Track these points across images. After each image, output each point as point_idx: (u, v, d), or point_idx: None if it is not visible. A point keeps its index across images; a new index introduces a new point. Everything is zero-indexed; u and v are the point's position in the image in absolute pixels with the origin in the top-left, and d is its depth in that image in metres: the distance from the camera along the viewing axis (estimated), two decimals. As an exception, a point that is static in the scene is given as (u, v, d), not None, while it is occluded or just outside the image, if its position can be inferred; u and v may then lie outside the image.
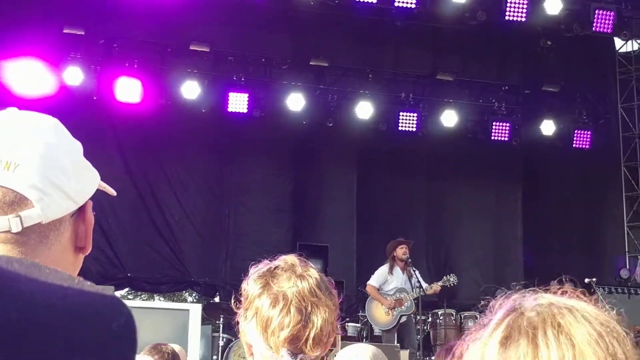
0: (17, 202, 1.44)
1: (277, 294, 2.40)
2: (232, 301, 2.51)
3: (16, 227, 1.44)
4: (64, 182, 1.49)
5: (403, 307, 12.25)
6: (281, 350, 2.38)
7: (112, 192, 1.71)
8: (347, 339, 11.07)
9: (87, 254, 1.60)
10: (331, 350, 4.62)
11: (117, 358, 0.90)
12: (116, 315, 0.87)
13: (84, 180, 1.57)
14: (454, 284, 12.29)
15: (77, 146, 1.59)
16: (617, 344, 1.38)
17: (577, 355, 1.36)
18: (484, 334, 1.46)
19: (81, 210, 1.56)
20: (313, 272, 2.50)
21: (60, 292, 0.92)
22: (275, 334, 2.38)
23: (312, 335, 2.37)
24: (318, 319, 2.39)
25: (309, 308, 2.40)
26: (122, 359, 0.89)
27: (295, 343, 2.38)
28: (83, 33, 13.36)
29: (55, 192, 1.47)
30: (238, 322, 2.49)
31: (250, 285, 2.44)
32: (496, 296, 1.52)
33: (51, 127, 1.55)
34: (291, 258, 2.52)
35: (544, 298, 1.47)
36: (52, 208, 1.47)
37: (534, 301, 1.47)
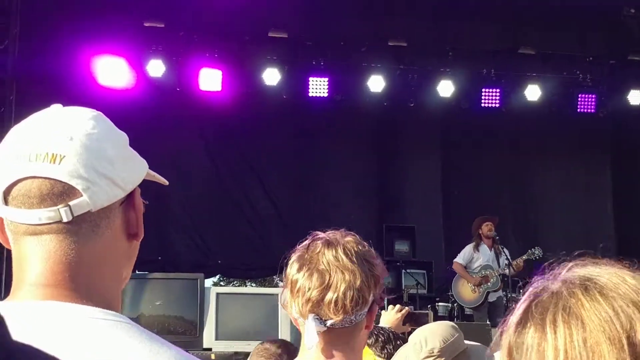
0: (66, 192, 1.49)
1: (305, 260, 2.48)
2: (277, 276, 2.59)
3: (66, 217, 1.48)
4: (110, 170, 1.53)
5: (489, 283, 12.18)
6: (309, 315, 2.41)
7: (163, 181, 1.74)
8: (437, 319, 11.05)
9: (140, 239, 1.64)
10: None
11: None
12: None
13: (130, 168, 1.60)
14: (539, 256, 12.12)
15: (122, 135, 1.63)
16: (637, 318, 1.32)
17: (588, 337, 1.31)
18: (514, 311, 1.46)
19: (130, 197, 1.59)
20: (348, 241, 2.53)
21: None
22: (299, 296, 2.44)
23: (333, 298, 2.39)
24: (341, 284, 2.40)
25: (332, 272, 2.42)
26: None
27: (319, 308, 2.41)
28: (163, 26, 13.54)
29: (101, 180, 1.51)
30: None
31: (290, 259, 2.52)
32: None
33: (93, 119, 1.58)
34: (332, 232, 2.58)
35: (570, 273, 1.43)
36: (99, 196, 1.51)
37: (557, 279, 1.44)
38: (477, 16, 14.74)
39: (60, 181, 1.49)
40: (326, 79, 14.17)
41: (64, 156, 1.49)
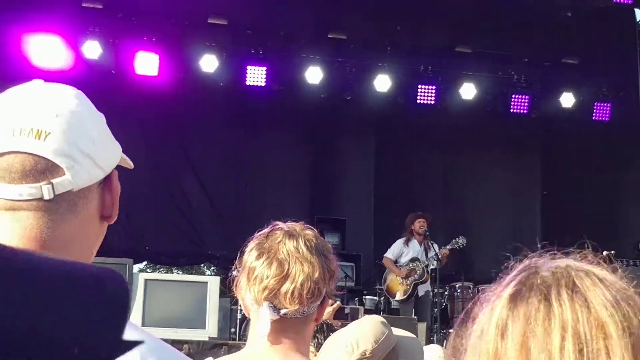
0: (49, 169, 1.46)
1: (264, 249, 2.49)
2: (237, 261, 2.58)
3: (48, 194, 1.46)
4: (93, 150, 1.51)
5: (416, 275, 12.30)
6: (264, 303, 2.42)
7: (130, 164, 1.73)
8: (366, 312, 11.11)
9: (112, 222, 1.63)
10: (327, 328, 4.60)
11: (110, 315, 0.92)
12: (112, 276, 0.89)
13: (110, 149, 1.60)
14: (462, 245, 12.29)
15: (101, 116, 1.61)
16: (633, 314, 1.35)
17: (593, 317, 1.33)
18: (497, 290, 1.46)
19: (108, 179, 1.58)
20: (307, 234, 2.57)
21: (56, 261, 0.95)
22: (255, 284, 2.45)
23: (291, 289, 2.42)
24: (299, 274, 2.43)
25: (292, 263, 2.45)
26: (114, 316, 0.91)
27: (275, 296, 2.43)
28: (102, 7, 13.36)
29: (84, 160, 1.49)
30: (237, 285, 2.56)
31: (248, 246, 2.54)
32: (513, 261, 1.52)
33: (76, 97, 1.57)
34: (293, 223, 2.61)
35: (562, 260, 1.46)
36: (82, 176, 1.49)
37: (550, 262, 1.46)
38: (417, 13, 14.84)
39: (45, 158, 1.45)
40: (264, 68, 14.13)
41: (49, 133, 1.46)
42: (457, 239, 12.35)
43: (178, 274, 16.18)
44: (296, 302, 2.43)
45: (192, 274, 21.30)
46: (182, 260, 15.78)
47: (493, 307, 1.43)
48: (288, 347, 2.49)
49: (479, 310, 1.46)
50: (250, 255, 2.51)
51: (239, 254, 2.57)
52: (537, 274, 1.42)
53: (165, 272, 16.50)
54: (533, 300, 1.38)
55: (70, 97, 1.54)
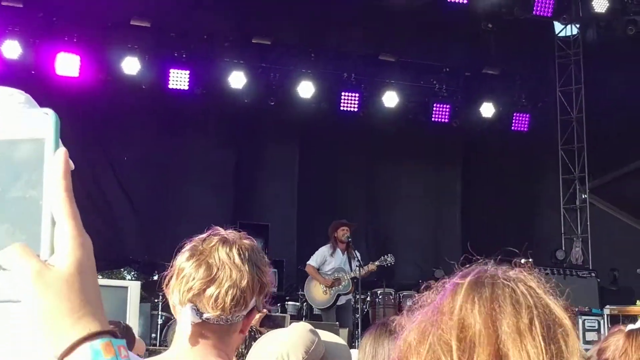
0: None
1: (196, 251, 2.47)
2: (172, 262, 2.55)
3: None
4: None
5: (340, 286, 12.32)
6: (187, 305, 2.40)
7: (71, 165, 1.69)
8: (290, 319, 11.10)
9: None
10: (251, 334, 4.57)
11: None
12: None
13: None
14: (391, 264, 12.36)
15: None
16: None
17: (548, 308, 1.47)
18: (448, 285, 1.53)
19: None
20: (244, 243, 2.54)
21: None
22: (182, 284, 2.43)
23: (214, 294, 2.40)
24: (225, 280, 2.41)
25: (220, 269, 2.43)
26: None
27: (199, 299, 2.42)
28: (22, 6, 13.10)
29: None
30: (167, 285, 2.53)
31: (184, 247, 2.51)
32: (435, 277, 1.58)
33: (26, 101, 1.62)
34: (232, 231, 2.57)
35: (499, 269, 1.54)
36: None
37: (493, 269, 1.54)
38: (341, 20, 14.93)
39: None
40: (187, 72, 14.04)
41: None
42: (385, 256, 12.38)
43: (98, 278, 15.94)
44: (219, 307, 2.40)
45: (112, 278, 21.02)
46: (102, 264, 15.53)
47: (454, 292, 1.49)
48: (208, 352, 2.47)
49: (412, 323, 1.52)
50: (182, 256, 2.49)
51: (173, 255, 2.55)
52: (491, 272, 1.53)
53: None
54: (497, 285, 1.49)
55: (20, 103, 1.59)
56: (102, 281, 12.54)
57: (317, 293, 12.50)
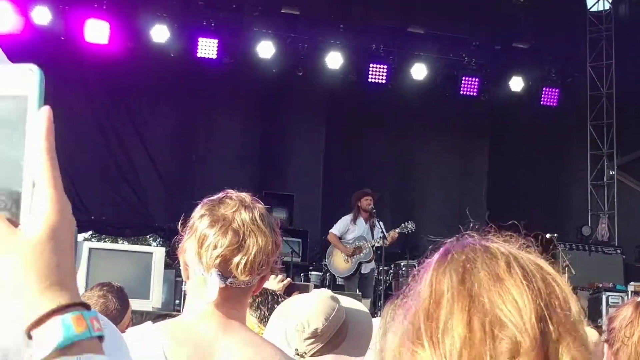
0: None
1: (218, 216, 2.47)
2: (179, 223, 2.57)
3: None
4: None
5: (361, 254, 12.36)
6: (212, 270, 2.42)
7: None
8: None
9: None
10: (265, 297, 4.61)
11: None
12: None
13: None
14: (411, 230, 12.36)
15: None
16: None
17: (530, 259, 1.40)
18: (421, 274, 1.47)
19: None
20: (260, 206, 2.56)
21: None
22: (208, 251, 2.44)
23: (244, 260, 2.42)
24: (253, 246, 2.44)
25: (247, 233, 2.44)
26: None
27: (226, 265, 2.43)
28: (52, -28, 13.14)
29: None
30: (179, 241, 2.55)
31: (196, 210, 2.52)
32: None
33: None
34: (243, 194, 2.56)
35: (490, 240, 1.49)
36: None
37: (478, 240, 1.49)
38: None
39: None
40: (216, 41, 14.03)
41: None
42: (406, 223, 12.40)
43: (123, 244, 16.06)
44: (247, 273, 2.43)
45: (137, 245, 21.18)
46: (128, 231, 15.65)
47: (424, 273, 1.45)
48: (229, 314, 2.50)
49: (412, 287, 1.48)
50: (201, 221, 2.49)
51: (181, 219, 2.56)
52: (465, 239, 1.47)
53: (110, 242, 16.38)
54: (468, 245, 1.43)
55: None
56: (127, 246, 12.66)
57: (339, 261, 12.55)
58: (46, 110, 1.08)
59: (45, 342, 1.01)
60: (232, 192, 2.58)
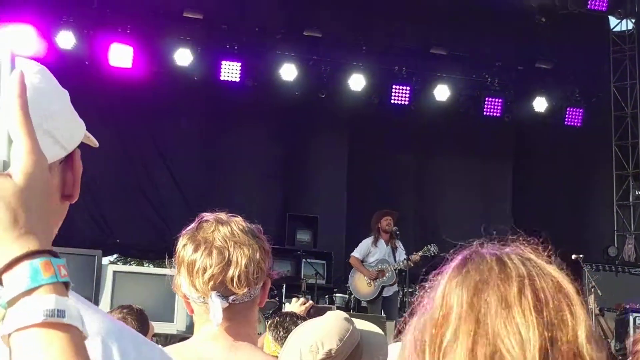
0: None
1: (199, 240, 2.49)
2: (166, 261, 2.58)
3: (4, 170, 1.43)
4: (54, 127, 1.47)
5: (385, 277, 12.33)
6: (211, 294, 2.41)
7: (94, 143, 1.69)
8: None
9: (73, 202, 1.58)
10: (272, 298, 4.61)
11: None
12: None
13: (72, 127, 1.55)
14: (434, 253, 12.29)
15: (65, 93, 1.57)
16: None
17: (548, 276, 1.38)
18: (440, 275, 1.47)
19: (69, 157, 1.54)
20: (238, 220, 2.56)
21: None
22: (199, 275, 2.44)
23: (236, 273, 2.42)
24: (241, 258, 2.44)
25: (231, 248, 2.45)
26: None
27: (222, 284, 2.43)
28: (76, -3, 13.29)
29: (45, 137, 1.43)
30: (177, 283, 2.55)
31: (179, 243, 2.53)
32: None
33: (39, 72, 1.52)
34: (219, 213, 2.61)
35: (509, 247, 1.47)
36: None
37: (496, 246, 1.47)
38: (392, 13, 14.87)
39: None
40: (239, 64, 14.10)
41: None
42: (429, 246, 12.35)
43: (148, 267, 16.11)
44: (244, 285, 2.43)
45: (162, 267, 21.24)
46: (152, 255, 15.70)
47: (439, 283, 1.44)
48: (237, 334, 2.49)
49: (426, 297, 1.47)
50: (185, 250, 2.50)
51: (167, 256, 2.56)
52: (480, 249, 1.45)
53: (136, 265, 16.45)
54: (484, 262, 1.40)
55: (33, 73, 1.50)
56: (152, 269, 12.68)
57: (362, 285, 12.52)
58: (18, 72, 1.14)
59: (13, 285, 1.07)
60: (207, 215, 2.59)
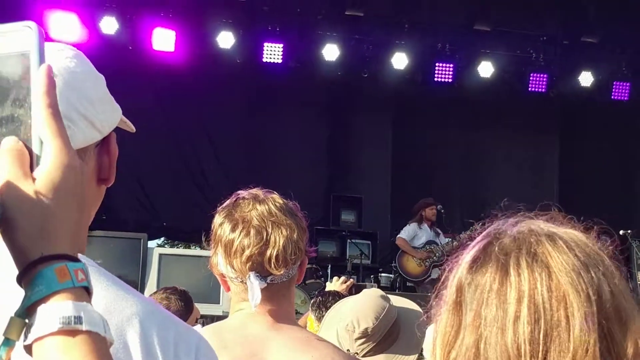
0: None
1: (237, 219, 2.48)
2: (203, 239, 2.57)
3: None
4: (90, 110, 1.48)
5: (435, 257, 12.37)
6: (249, 274, 2.40)
7: (131, 128, 1.70)
8: (381, 290, 11.13)
9: (109, 185, 1.60)
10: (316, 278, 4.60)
11: None
12: None
13: (108, 111, 1.56)
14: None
15: (101, 77, 1.58)
16: (603, 277, 1.31)
17: (554, 286, 1.30)
18: (460, 257, 1.44)
19: (105, 141, 1.55)
20: (274, 197, 2.53)
21: None
22: (237, 255, 2.43)
23: (274, 254, 2.41)
24: (279, 238, 2.42)
25: (269, 228, 2.43)
26: None
27: (260, 265, 2.42)
28: (119, -18, 13.36)
29: (81, 120, 1.46)
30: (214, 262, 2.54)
31: (215, 218, 2.52)
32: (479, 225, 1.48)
33: (75, 57, 1.54)
34: (255, 190, 2.56)
35: (526, 224, 1.42)
36: (78, 136, 1.45)
37: (513, 227, 1.42)
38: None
39: None
40: (281, 45, 14.09)
41: None
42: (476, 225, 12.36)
43: (195, 249, 16.23)
44: (282, 265, 2.41)
45: (205, 249, 21.39)
46: (197, 236, 15.82)
47: (454, 275, 1.41)
48: (277, 314, 2.49)
49: (447, 278, 1.45)
50: (222, 229, 2.49)
51: (204, 234, 2.55)
52: (498, 240, 1.39)
53: (183, 248, 16.57)
54: (490, 269, 1.35)
55: (69, 57, 1.52)
56: (197, 252, 12.77)
57: (412, 266, 12.54)
58: (45, 67, 1.09)
59: (29, 293, 1.04)
60: (242, 192, 2.55)
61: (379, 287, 11.77)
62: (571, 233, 1.39)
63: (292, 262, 2.44)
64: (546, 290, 1.30)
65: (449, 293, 1.41)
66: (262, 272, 2.42)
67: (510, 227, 1.41)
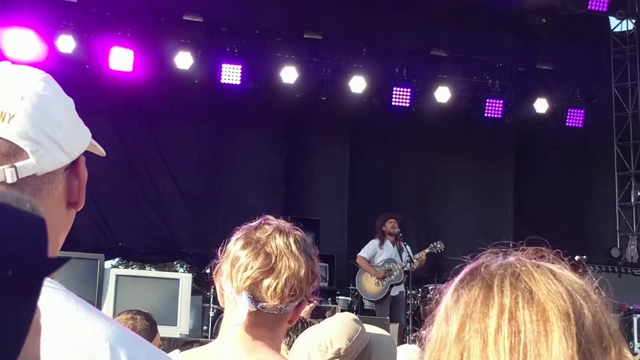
0: (12, 153, 1.43)
1: (252, 239, 2.44)
2: (218, 250, 2.54)
3: (11, 178, 1.42)
4: (58, 134, 1.48)
5: (392, 276, 12.36)
6: (242, 292, 2.39)
7: (101, 151, 1.70)
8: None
9: (79, 209, 1.59)
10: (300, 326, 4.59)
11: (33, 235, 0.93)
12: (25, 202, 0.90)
13: (77, 135, 1.56)
14: (441, 250, 12.30)
15: (70, 101, 1.58)
16: (585, 303, 1.36)
17: (535, 302, 1.34)
18: (450, 284, 1.48)
19: (74, 164, 1.55)
20: (298, 233, 2.51)
21: None
22: (239, 272, 2.40)
23: (274, 283, 2.38)
24: (285, 270, 2.39)
25: (279, 258, 2.40)
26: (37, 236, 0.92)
27: (257, 289, 2.39)
28: (76, 1, 13.26)
29: (49, 144, 1.46)
30: (217, 273, 2.52)
31: (234, 235, 2.50)
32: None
33: (43, 80, 1.53)
34: (284, 222, 2.55)
35: (515, 255, 1.47)
36: (46, 160, 1.45)
37: (501, 259, 1.47)
38: (393, 15, 14.87)
39: (8, 140, 1.42)
40: (239, 67, 14.10)
41: (13, 115, 1.43)
42: (435, 243, 12.36)
43: (150, 270, 16.12)
44: (277, 298, 2.39)
45: (165, 271, 21.25)
46: (155, 258, 15.70)
47: (444, 297, 1.46)
48: (259, 340, 2.47)
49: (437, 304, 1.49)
50: (235, 244, 2.47)
51: (222, 243, 2.53)
52: (486, 265, 1.44)
53: (138, 269, 16.45)
54: (476, 287, 1.41)
55: (37, 80, 1.51)
56: (154, 273, 12.70)
57: (369, 285, 12.54)
58: None
59: None
60: (271, 218, 2.55)
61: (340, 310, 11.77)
62: (558, 266, 1.45)
63: (289, 298, 2.41)
64: (527, 306, 1.34)
65: (439, 309, 1.45)
66: (255, 296, 2.40)
67: (498, 258, 1.47)
